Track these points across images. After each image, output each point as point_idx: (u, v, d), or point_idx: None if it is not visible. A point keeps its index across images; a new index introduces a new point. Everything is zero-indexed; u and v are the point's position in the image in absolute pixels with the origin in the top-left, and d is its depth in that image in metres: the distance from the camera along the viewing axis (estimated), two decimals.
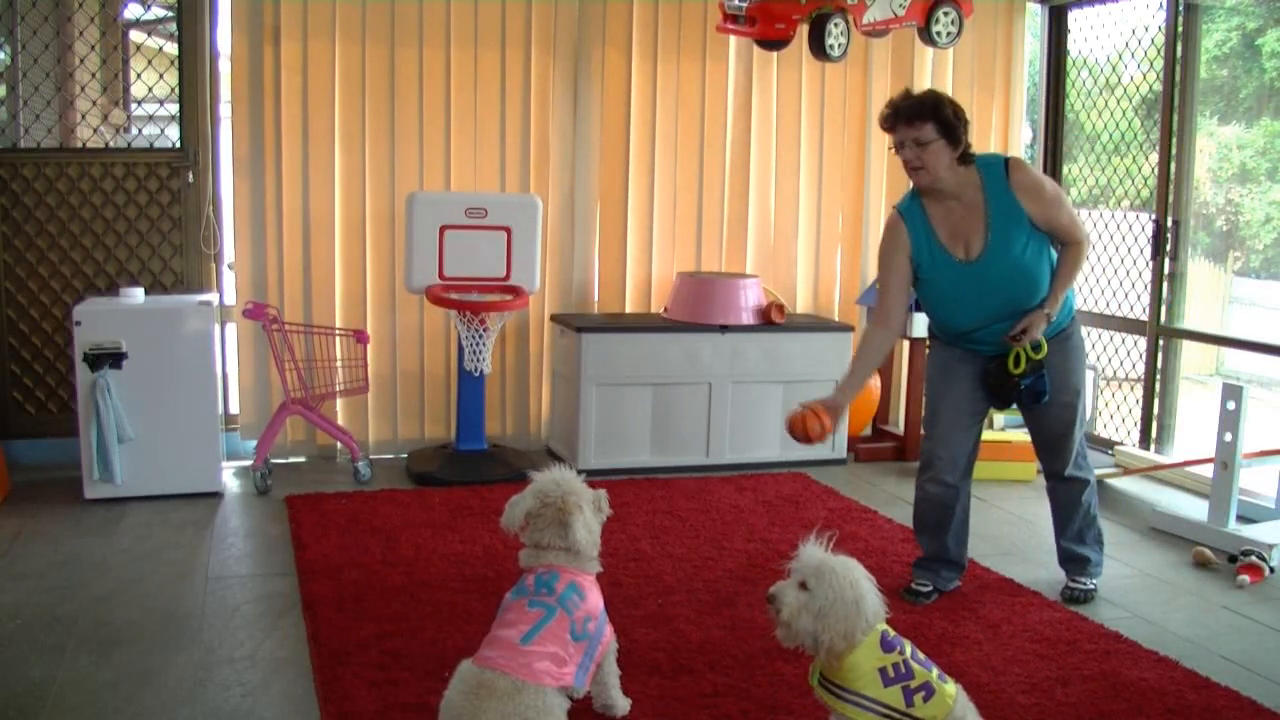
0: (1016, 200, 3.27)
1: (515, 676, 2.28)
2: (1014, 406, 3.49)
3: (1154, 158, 5.42)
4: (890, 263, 3.42)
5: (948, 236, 3.34)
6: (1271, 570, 3.85)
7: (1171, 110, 5.24)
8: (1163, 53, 5.31)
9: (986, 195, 3.28)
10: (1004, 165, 3.31)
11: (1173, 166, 5.28)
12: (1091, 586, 3.64)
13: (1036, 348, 3.34)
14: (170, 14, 4.98)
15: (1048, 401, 3.40)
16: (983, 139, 5.89)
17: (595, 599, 2.58)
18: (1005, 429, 6.05)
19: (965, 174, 3.30)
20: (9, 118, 4.81)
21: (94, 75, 4.91)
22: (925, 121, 3.22)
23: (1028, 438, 5.29)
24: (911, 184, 3.41)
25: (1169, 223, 5.29)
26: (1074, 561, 3.67)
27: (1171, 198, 5.30)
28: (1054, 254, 3.37)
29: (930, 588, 3.56)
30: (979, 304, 3.35)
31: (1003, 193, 3.27)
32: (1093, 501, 3.65)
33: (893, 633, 2.30)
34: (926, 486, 3.57)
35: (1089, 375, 5.74)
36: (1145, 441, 5.44)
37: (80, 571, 3.61)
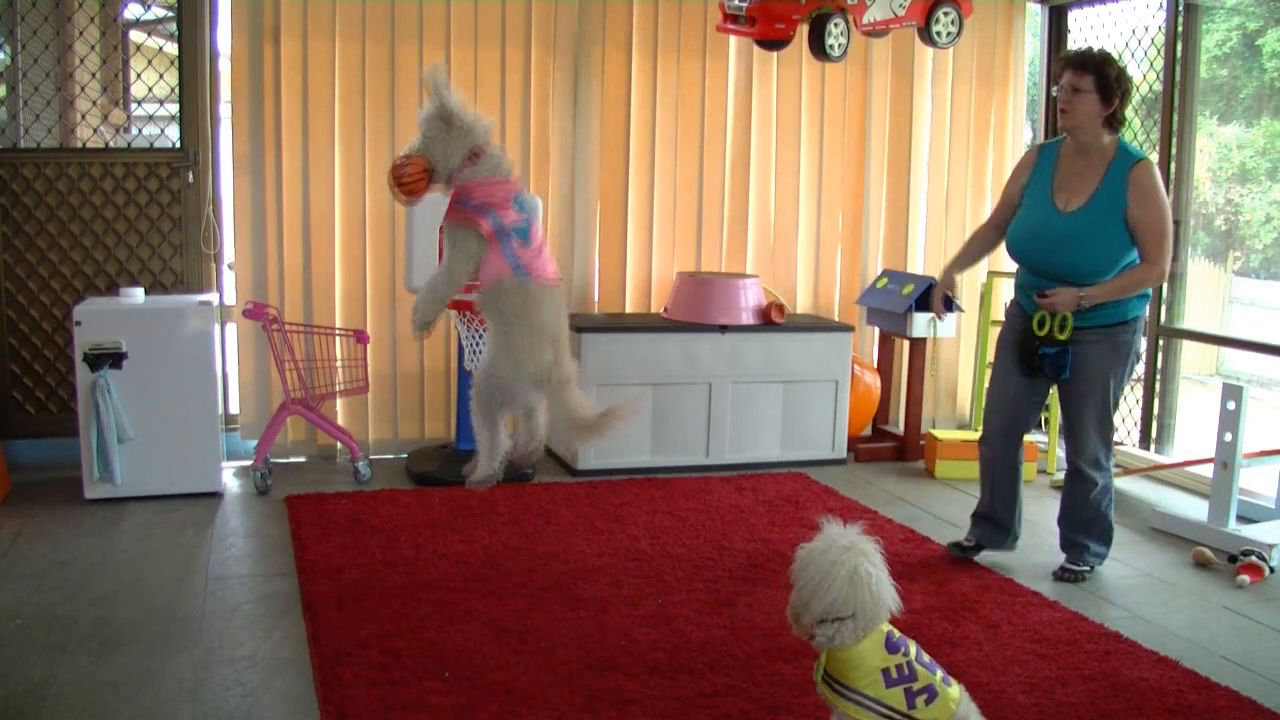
0: (1126, 190, 3.54)
1: None
2: (1047, 379, 3.75)
3: (1154, 157, 5.41)
4: (1010, 185, 3.89)
5: (1059, 183, 3.67)
6: (1271, 570, 3.85)
7: (1171, 110, 5.25)
8: (1163, 53, 5.31)
9: (1108, 170, 3.58)
10: (1136, 160, 3.58)
11: (1173, 166, 5.28)
12: (1084, 569, 3.81)
13: (1063, 325, 3.60)
14: (170, 14, 4.98)
15: (1068, 380, 3.66)
16: (982, 139, 5.89)
17: None
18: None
19: (1106, 142, 3.61)
20: (9, 118, 4.81)
21: (94, 75, 4.91)
22: (1087, 73, 3.54)
23: (1027, 438, 5.31)
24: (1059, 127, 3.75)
25: None
26: (1073, 547, 3.85)
27: (1171, 198, 5.29)
28: (1134, 259, 3.60)
29: (973, 543, 3.94)
30: (1047, 251, 3.65)
31: (1121, 177, 3.56)
32: (1104, 503, 3.79)
33: (898, 634, 2.30)
34: (980, 448, 3.99)
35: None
36: (1145, 441, 5.45)
37: (80, 571, 3.61)
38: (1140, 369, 5.45)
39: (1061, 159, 3.70)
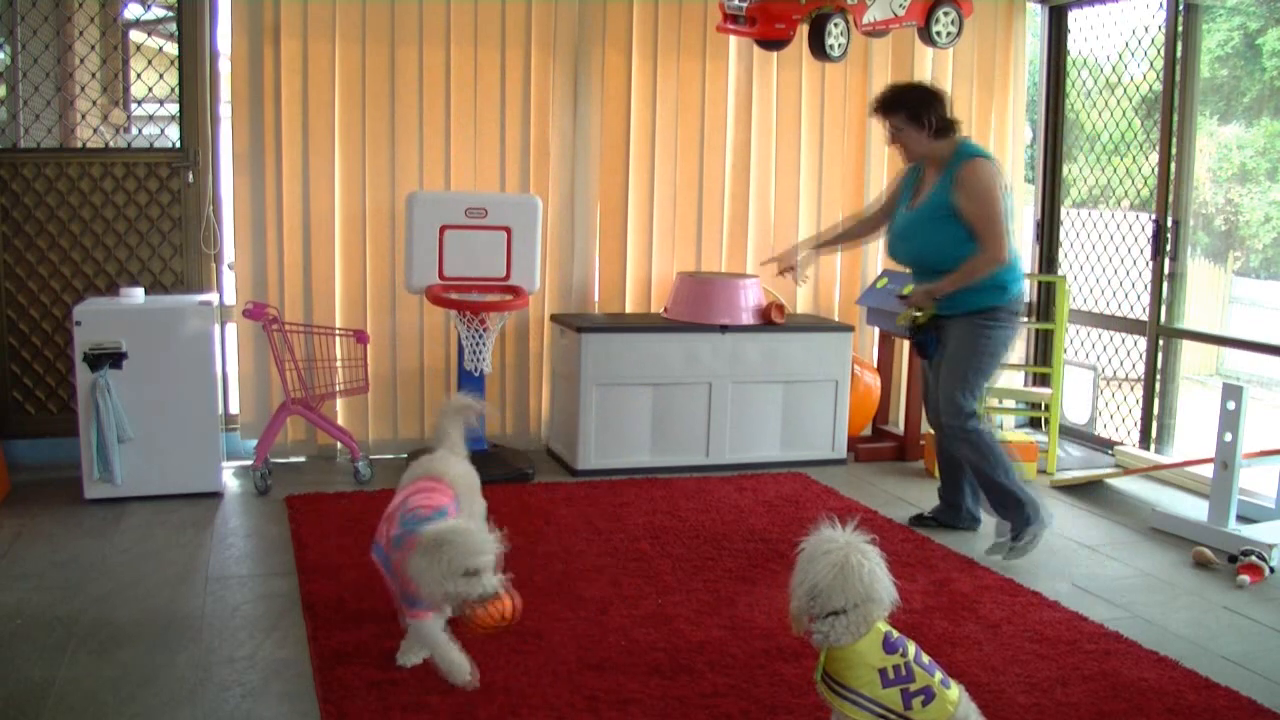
0: (952, 187, 3.88)
1: None
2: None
3: (1154, 158, 5.42)
4: (892, 178, 4.41)
5: (916, 190, 4.08)
6: (1271, 570, 3.85)
7: (1171, 110, 5.24)
8: (1163, 53, 5.31)
9: (942, 172, 3.94)
10: (965, 159, 3.89)
11: (1173, 166, 5.28)
12: (1027, 539, 3.93)
13: (927, 317, 4.02)
14: (170, 14, 4.98)
15: (936, 360, 4.07)
16: (982, 139, 5.88)
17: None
18: (1002, 428, 6.06)
19: (944, 146, 3.95)
20: (9, 118, 4.81)
21: (94, 75, 4.92)
22: (896, 113, 3.94)
23: (1027, 438, 5.32)
24: None
25: (1169, 223, 5.30)
26: (999, 522, 4.06)
27: (1171, 198, 5.30)
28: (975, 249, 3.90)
29: (931, 516, 4.31)
30: (896, 245, 4.15)
31: (950, 176, 3.90)
32: (981, 460, 3.98)
33: (896, 634, 2.30)
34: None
35: (1089, 375, 5.75)
36: (1145, 441, 5.45)
37: (80, 571, 3.61)
38: (1140, 369, 5.45)
39: (925, 171, 4.06)
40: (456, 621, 2.65)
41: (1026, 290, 4.07)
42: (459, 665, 2.77)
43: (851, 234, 4.53)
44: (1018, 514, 3.94)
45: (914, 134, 3.93)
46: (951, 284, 3.89)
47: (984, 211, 3.82)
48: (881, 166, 5.76)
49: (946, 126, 3.93)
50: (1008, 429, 6.02)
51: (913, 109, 3.89)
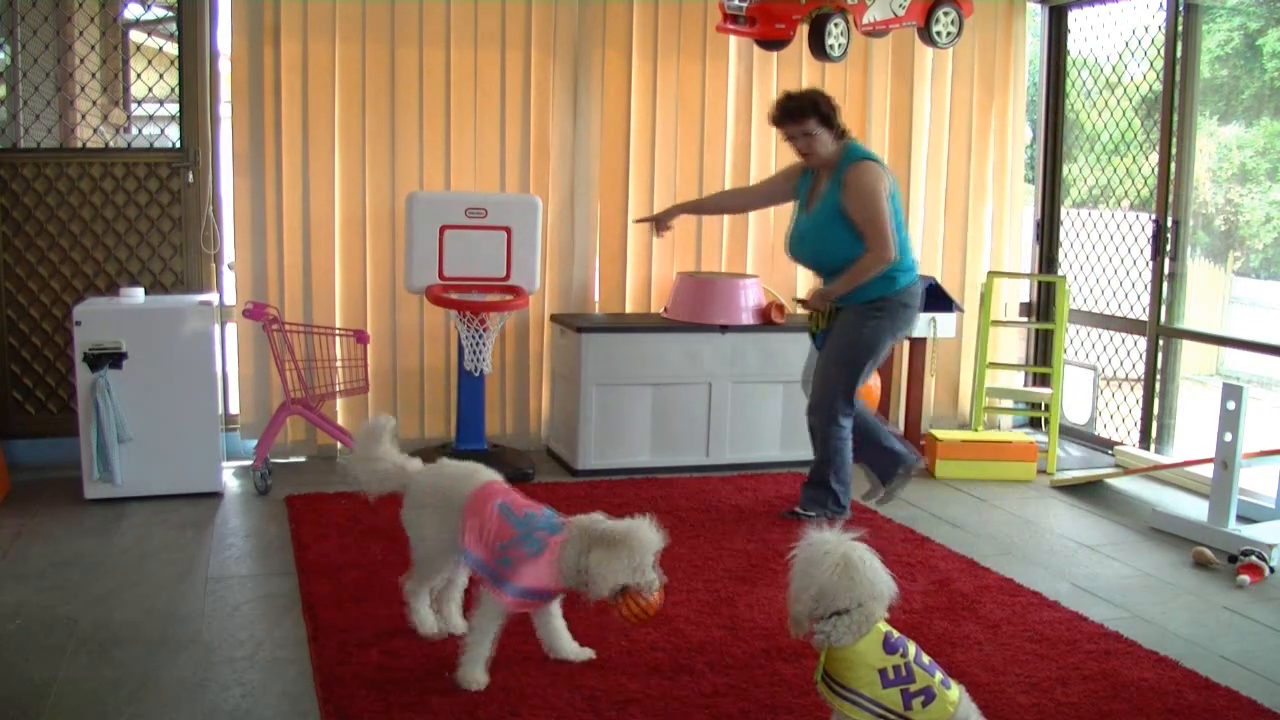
0: (840, 190, 4.04)
1: None
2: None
3: (1154, 158, 5.42)
4: (780, 170, 4.53)
5: (809, 193, 4.23)
6: (1271, 570, 3.85)
7: (1171, 110, 5.24)
8: (1163, 53, 5.31)
9: (832, 176, 4.10)
10: (851, 162, 4.05)
11: (1173, 166, 5.28)
12: (808, 514, 4.22)
13: (827, 316, 4.21)
14: (170, 14, 4.98)
15: (823, 347, 4.26)
16: (983, 139, 5.89)
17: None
18: (1001, 428, 6.06)
19: (836, 151, 4.10)
20: (9, 118, 4.81)
21: (94, 75, 4.92)
22: (808, 118, 4.03)
23: (1027, 438, 5.33)
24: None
25: (1169, 223, 5.30)
26: (804, 494, 4.33)
27: (1171, 198, 5.30)
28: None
29: (803, 507, 4.34)
30: (798, 245, 4.29)
31: (838, 179, 4.06)
32: (825, 451, 4.22)
33: (896, 634, 2.30)
34: (807, 418, 4.34)
35: (1089, 375, 5.76)
36: (1145, 441, 5.45)
37: (80, 571, 3.61)
38: (1140, 369, 5.45)
39: (818, 174, 4.20)
40: (603, 606, 2.76)
41: (920, 286, 4.28)
42: (482, 663, 2.82)
43: (723, 206, 4.95)
44: (825, 496, 4.28)
45: (823, 137, 4.06)
46: (843, 285, 4.08)
47: (868, 213, 3.99)
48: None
49: (844, 132, 4.13)
50: (1008, 429, 6.03)
51: (822, 112, 4.04)
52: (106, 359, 4.26)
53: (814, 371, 4.32)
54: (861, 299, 4.11)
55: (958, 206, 5.90)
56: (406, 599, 3.12)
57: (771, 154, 5.60)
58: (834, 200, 4.07)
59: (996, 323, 5.68)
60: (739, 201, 4.90)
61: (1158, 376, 5.39)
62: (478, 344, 4.78)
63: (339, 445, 5.04)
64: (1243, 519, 4.34)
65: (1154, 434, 5.43)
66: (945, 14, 4.90)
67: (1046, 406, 5.46)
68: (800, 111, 4.04)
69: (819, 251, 4.19)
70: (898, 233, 4.05)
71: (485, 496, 2.96)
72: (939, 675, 2.29)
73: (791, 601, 2.29)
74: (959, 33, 4.98)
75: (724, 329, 5.03)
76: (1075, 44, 5.94)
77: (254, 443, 4.86)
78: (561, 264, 5.39)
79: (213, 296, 4.79)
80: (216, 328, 4.52)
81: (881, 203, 4.00)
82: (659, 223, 4.60)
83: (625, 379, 4.94)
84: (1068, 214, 6.03)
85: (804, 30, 4.74)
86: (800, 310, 4.32)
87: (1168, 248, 5.30)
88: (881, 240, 4.00)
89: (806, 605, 2.26)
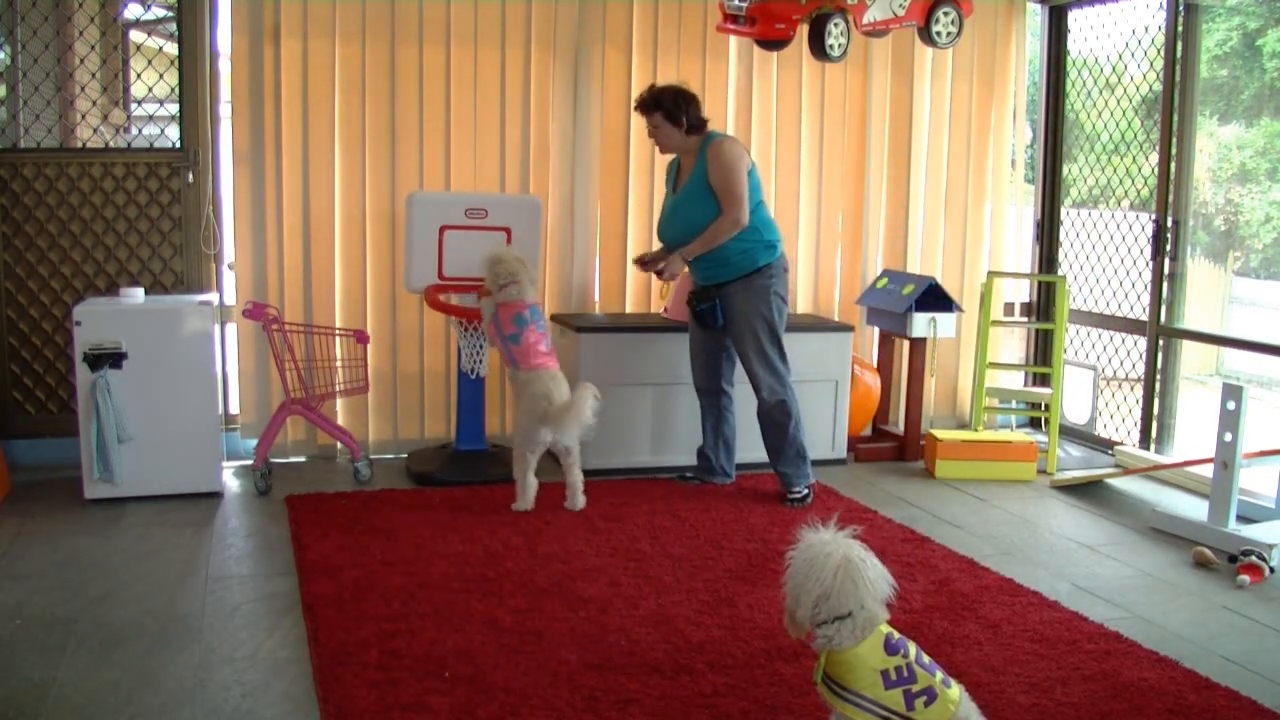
0: (705, 164, 4.34)
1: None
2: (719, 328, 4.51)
3: (1154, 158, 5.42)
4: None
5: (675, 176, 4.54)
6: (1271, 570, 3.85)
7: (1171, 110, 5.24)
8: (1163, 53, 5.31)
9: (697, 157, 4.41)
10: (708, 141, 4.39)
11: (1173, 166, 5.28)
12: (803, 493, 4.55)
13: (703, 287, 4.48)
14: (170, 14, 4.98)
15: (725, 327, 4.48)
16: (982, 138, 5.89)
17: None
18: (1002, 429, 6.06)
19: (695, 140, 4.42)
20: (9, 118, 4.81)
21: (94, 75, 4.91)
22: (655, 111, 4.38)
23: (1028, 438, 5.33)
24: None
25: (1169, 223, 5.30)
26: (783, 476, 4.59)
27: (1171, 198, 5.30)
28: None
29: (692, 474, 4.82)
30: (666, 226, 4.53)
31: (701, 158, 4.37)
32: (790, 427, 4.51)
33: (897, 635, 2.30)
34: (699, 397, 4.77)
35: (1089, 375, 5.75)
36: (1145, 441, 5.45)
37: (80, 571, 3.61)
38: (1140, 369, 5.45)
39: (682, 161, 4.52)
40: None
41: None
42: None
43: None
44: (802, 468, 4.55)
45: (670, 130, 4.38)
46: (700, 245, 4.33)
47: (726, 181, 4.30)
48: (881, 166, 5.77)
49: (700, 124, 4.41)
50: (1007, 429, 6.03)
51: (668, 109, 4.35)
52: (106, 359, 4.26)
53: (744, 360, 4.51)
54: (749, 269, 4.39)
55: (958, 206, 5.90)
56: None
57: (771, 154, 5.61)
58: (700, 176, 4.36)
59: (996, 323, 5.68)
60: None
61: (1158, 376, 5.39)
62: (474, 346, 4.78)
63: (339, 445, 5.05)
64: (1243, 519, 4.34)
65: (1154, 434, 5.43)
66: (945, 14, 4.90)
67: (1046, 406, 5.46)
68: (646, 106, 4.39)
69: (687, 225, 4.39)
70: (757, 209, 4.38)
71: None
72: (939, 675, 2.29)
73: (791, 604, 2.29)
74: (959, 33, 4.97)
75: (724, 329, 5.02)
76: (1075, 44, 5.94)
77: (254, 443, 4.86)
78: (561, 264, 5.39)
79: (213, 296, 4.79)
80: (216, 328, 4.52)
81: (740, 174, 4.32)
82: (658, 268, 4.51)
83: (625, 379, 4.94)
84: (1068, 214, 6.04)
85: (804, 30, 4.74)
86: (640, 269, 4.64)
87: (1168, 248, 5.30)
88: (737, 204, 4.30)
89: (807, 609, 2.25)
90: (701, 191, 4.37)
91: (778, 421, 4.52)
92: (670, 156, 4.62)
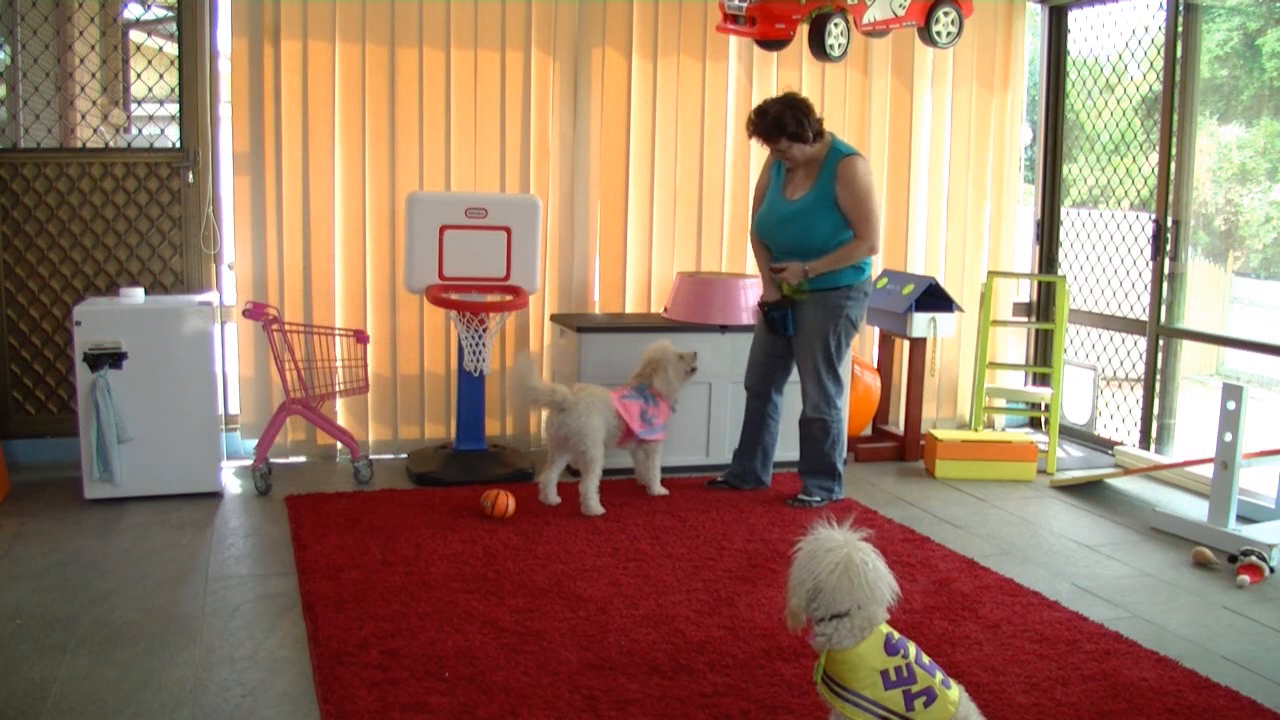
0: (834, 182, 4.28)
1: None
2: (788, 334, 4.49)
3: (1154, 158, 5.42)
4: (759, 182, 4.67)
5: (787, 183, 4.46)
6: (1271, 570, 3.85)
7: (1171, 110, 5.24)
8: (1163, 53, 5.31)
9: (821, 168, 4.33)
10: (841, 156, 4.29)
11: (1173, 166, 5.28)
12: (815, 500, 4.53)
13: (797, 290, 4.40)
14: (170, 14, 4.98)
15: (794, 336, 4.46)
16: (982, 139, 5.89)
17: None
18: (1005, 429, 6.06)
19: (818, 149, 4.34)
20: (9, 118, 4.81)
21: (94, 75, 4.92)
22: (782, 138, 4.27)
23: (1028, 438, 5.33)
24: None
25: (1169, 223, 5.30)
26: (804, 482, 4.60)
27: (1171, 198, 5.30)
28: (849, 236, 4.32)
29: (722, 478, 4.79)
30: (780, 228, 4.43)
31: (830, 172, 4.30)
32: (826, 444, 4.52)
33: (897, 636, 2.30)
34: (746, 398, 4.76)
35: (1089, 375, 5.75)
36: (1145, 441, 5.45)
37: (80, 571, 3.61)
38: (1140, 369, 5.45)
39: (788, 169, 4.45)
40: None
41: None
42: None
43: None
44: (824, 482, 4.57)
45: (799, 147, 4.29)
46: (826, 265, 4.32)
47: (863, 206, 4.28)
48: (882, 167, 5.76)
49: (821, 131, 4.34)
50: (1008, 429, 6.03)
51: (792, 131, 4.24)
52: (106, 359, 4.26)
53: (801, 370, 4.50)
54: (832, 285, 4.36)
55: (958, 206, 5.90)
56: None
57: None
58: (826, 190, 4.30)
59: (996, 323, 5.68)
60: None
61: (1158, 376, 5.39)
62: (477, 344, 4.78)
63: (339, 445, 5.05)
64: (1243, 519, 4.34)
65: (1154, 434, 5.43)
66: (945, 14, 4.90)
67: (1047, 406, 5.46)
68: (768, 133, 4.30)
69: (804, 235, 4.35)
70: None
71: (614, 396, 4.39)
72: (939, 675, 2.29)
73: (789, 593, 2.30)
74: (959, 33, 4.98)
75: (724, 329, 5.03)
76: (1075, 44, 5.94)
77: (254, 443, 4.86)
78: (561, 264, 5.39)
79: (213, 296, 4.79)
80: (216, 328, 4.52)
81: (875, 198, 4.34)
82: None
83: (625, 379, 4.93)
84: (1068, 214, 6.04)
85: (804, 30, 4.75)
86: (776, 276, 4.46)
87: (1168, 248, 5.30)
88: (874, 231, 4.33)
89: (802, 599, 2.26)
90: (826, 206, 4.31)
91: (814, 436, 4.53)
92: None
